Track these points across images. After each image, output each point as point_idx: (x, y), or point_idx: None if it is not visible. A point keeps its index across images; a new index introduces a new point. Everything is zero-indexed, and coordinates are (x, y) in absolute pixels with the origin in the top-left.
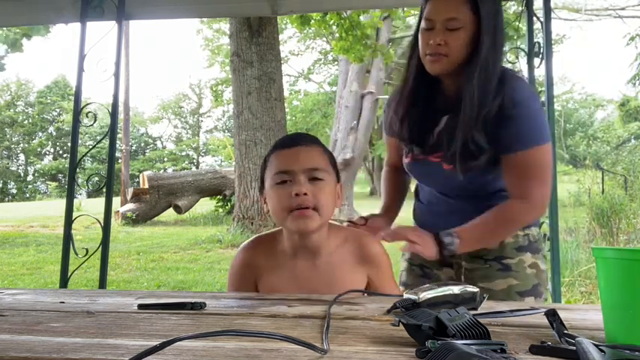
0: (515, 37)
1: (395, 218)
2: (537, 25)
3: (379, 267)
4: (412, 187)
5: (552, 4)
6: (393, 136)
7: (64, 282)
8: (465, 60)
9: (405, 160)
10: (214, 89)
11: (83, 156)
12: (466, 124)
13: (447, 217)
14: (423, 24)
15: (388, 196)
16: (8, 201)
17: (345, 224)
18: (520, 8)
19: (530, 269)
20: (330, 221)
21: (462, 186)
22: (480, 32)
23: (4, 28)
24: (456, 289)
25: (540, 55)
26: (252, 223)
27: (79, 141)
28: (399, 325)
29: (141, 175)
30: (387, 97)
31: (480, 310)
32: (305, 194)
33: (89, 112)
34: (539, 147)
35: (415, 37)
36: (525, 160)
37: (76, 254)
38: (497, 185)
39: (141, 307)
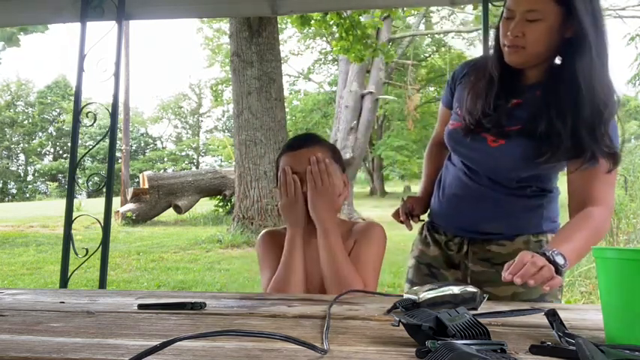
0: None
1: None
2: None
3: (365, 234)
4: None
5: None
6: (450, 108)
7: (64, 282)
8: (548, 54)
9: (450, 128)
10: (214, 89)
11: (83, 156)
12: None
13: (472, 204)
14: (505, 12)
15: (430, 177)
16: (8, 201)
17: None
18: None
19: None
20: (342, 217)
21: (509, 170)
22: (568, 23)
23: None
24: (456, 289)
25: None
26: (252, 223)
27: (79, 141)
28: (399, 325)
29: (141, 175)
30: (387, 97)
31: (480, 310)
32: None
33: (89, 112)
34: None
35: (499, 24)
36: (610, 178)
37: (76, 254)
38: (538, 180)
39: (141, 307)
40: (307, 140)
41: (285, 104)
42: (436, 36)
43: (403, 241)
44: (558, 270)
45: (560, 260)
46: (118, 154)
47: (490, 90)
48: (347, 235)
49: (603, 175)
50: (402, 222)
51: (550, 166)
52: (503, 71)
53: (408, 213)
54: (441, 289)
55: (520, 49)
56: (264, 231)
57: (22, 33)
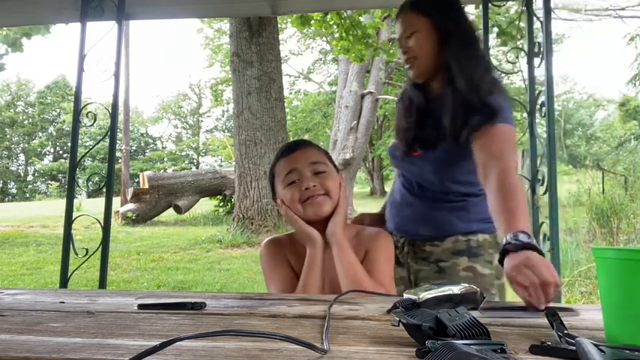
0: (519, 37)
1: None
2: (537, 25)
3: (377, 242)
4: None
5: (552, 4)
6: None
7: (64, 282)
8: (437, 61)
9: (390, 144)
10: (214, 89)
11: (83, 156)
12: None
13: (407, 209)
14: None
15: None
16: (8, 201)
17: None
18: (522, 8)
19: (464, 272)
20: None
21: (431, 175)
22: (441, 30)
23: (4, 28)
24: (456, 289)
25: (540, 55)
26: (252, 223)
27: (79, 141)
28: (399, 325)
29: (141, 175)
30: (387, 97)
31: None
32: (314, 186)
33: (89, 112)
34: (507, 125)
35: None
36: (497, 132)
37: (76, 254)
38: (460, 184)
39: (141, 307)
40: (299, 143)
41: (285, 104)
42: None
43: None
44: (535, 248)
45: (524, 238)
46: (118, 154)
47: (409, 109)
48: (355, 241)
49: (495, 140)
50: None
51: (466, 171)
52: (415, 91)
53: None
54: (441, 289)
55: (412, 60)
56: (266, 240)
57: (24, 38)
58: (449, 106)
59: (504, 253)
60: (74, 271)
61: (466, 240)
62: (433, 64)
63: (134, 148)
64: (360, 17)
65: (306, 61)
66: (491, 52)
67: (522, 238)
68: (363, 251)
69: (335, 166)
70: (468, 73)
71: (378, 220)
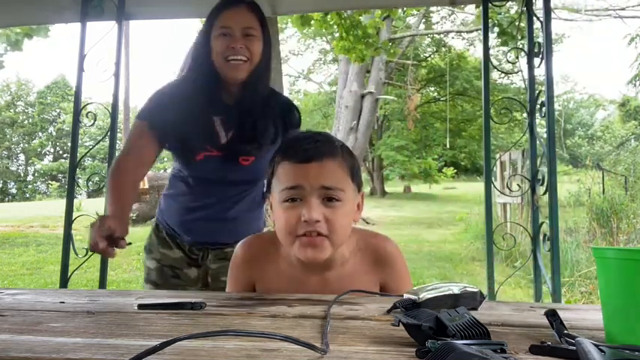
0: (520, 37)
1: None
2: (537, 25)
3: (393, 267)
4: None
5: (552, 4)
6: (156, 130)
7: (64, 282)
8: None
9: (197, 159)
10: None
11: (83, 156)
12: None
13: (204, 220)
14: (217, 31)
15: (128, 193)
16: (8, 201)
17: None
18: (522, 8)
19: None
20: None
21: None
22: (265, 43)
23: (7, 29)
24: (456, 289)
25: (540, 55)
26: None
27: (79, 141)
28: (399, 325)
29: None
30: (387, 97)
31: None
32: (317, 221)
33: (89, 112)
34: None
35: (203, 45)
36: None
37: (76, 254)
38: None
39: (141, 307)
40: (319, 151)
41: None
42: (436, 36)
43: (403, 242)
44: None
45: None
46: (117, 154)
47: (207, 113)
48: (355, 251)
49: None
50: (102, 251)
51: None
52: (212, 93)
53: (109, 237)
54: (441, 289)
55: (245, 62)
56: (243, 241)
57: (25, 38)
58: (267, 111)
59: None
60: (74, 271)
61: None
62: (254, 72)
63: None
64: (360, 17)
65: (306, 61)
66: (491, 52)
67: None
68: (376, 276)
69: (359, 179)
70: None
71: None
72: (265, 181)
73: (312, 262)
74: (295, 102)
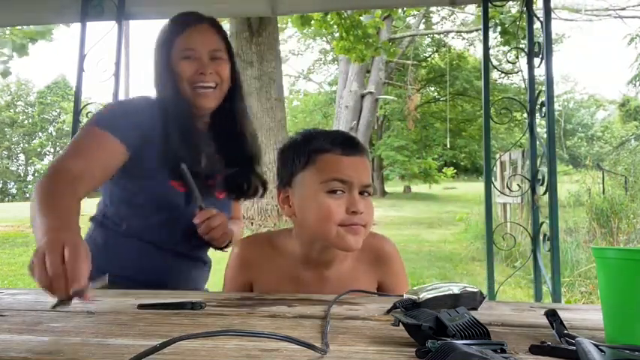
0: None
1: None
2: (537, 25)
3: (391, 266)
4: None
5: (552, 4)
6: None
7: None
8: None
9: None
10: None
11: None
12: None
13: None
14: (181, 53)
15: (74, 212)
16: (8, 201)
17: None
18: (522, 8)
19: None
20: None
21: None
22: (232, 65)
23: (12, 35)
24: (456, 289)
25: (540, 55)
26: (252, 223)
27: None
28: (399, 325)
29: None
30: (387, 97)
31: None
32: (361, 213)
33: (89, 112)
34: None
35: (165, 68)
36: None
37: None
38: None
39: (141, 307)
40: (360, 147)
41: (286, 104)
42: (436, 36)
43: (403, 242)
44: None
45: None
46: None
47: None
48: (357, 256)
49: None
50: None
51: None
52: (185, 126)
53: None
54: (441, 289)
55: (214, 90)
56: (244, 238)
57: (30, 43)
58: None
59: None
60: None
61: None
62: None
63: None
64: (360, 17)
65: (306, 61)
66: (491, 52)
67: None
68: (374, 276)
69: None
70: (250, 138)
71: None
72: (278, 174)
73: (351, 249)
74: (295, 102)
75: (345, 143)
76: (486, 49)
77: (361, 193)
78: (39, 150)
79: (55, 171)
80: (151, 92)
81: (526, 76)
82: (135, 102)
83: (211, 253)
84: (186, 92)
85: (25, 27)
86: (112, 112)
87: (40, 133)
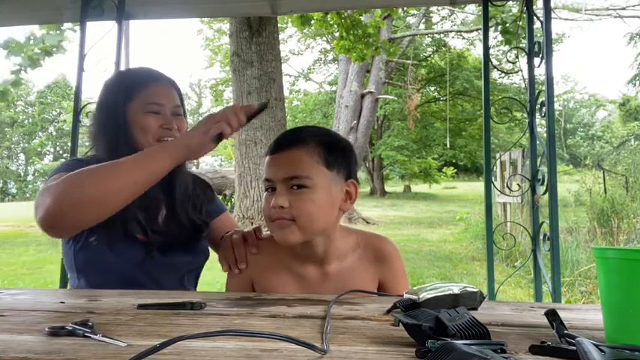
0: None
1: None
2: (537, 25)
3: (391, 266)
4: None
5: (552, 4)
6: None
7: (64, 282)
8: None
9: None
10: (214, 89)
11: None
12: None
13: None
14: (144, 107)
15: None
16: (8, 201)
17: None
18: (522, 8)
19: None
20: (341, 224)
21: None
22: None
23: (27, 49)
24: (455, 289)
25: (540, 55)
26: (252, 223)
27: (79, 141)
28: (399, 325)
29: None
30: (387, 96)
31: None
32: (281, 207)
33: (89, 111)
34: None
35: (120, 119)
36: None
37: None
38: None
39: (141, 307)
40: (290, 141)
41: (285, 104)
42: (436, 36)
43: (403, 241)
44: None
45: None
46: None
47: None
48: (354, 248)
49: None
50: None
51: None
52: None
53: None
54: (441, 289)
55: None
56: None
57: (45, 57)
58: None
59: None
60: None
61: None
62: None
63: None
64: (360, 17)
65: (306, 61)
66: (491, 51)
67: None
68: (375, 275)
69: (346, 166)
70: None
71: None
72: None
73: (283, 243)
74: (295, 102)
75: (276, 142)
76: (486, 48)
77: (298, 187)
78: (39, 150)
79: (76, 171)
80: None
81: (526, 76)
82: (78, 161)
83: (211, 252)
84: (146, 144)
85: (40, 42)
86: (67, 164)
87: (40, 133)
